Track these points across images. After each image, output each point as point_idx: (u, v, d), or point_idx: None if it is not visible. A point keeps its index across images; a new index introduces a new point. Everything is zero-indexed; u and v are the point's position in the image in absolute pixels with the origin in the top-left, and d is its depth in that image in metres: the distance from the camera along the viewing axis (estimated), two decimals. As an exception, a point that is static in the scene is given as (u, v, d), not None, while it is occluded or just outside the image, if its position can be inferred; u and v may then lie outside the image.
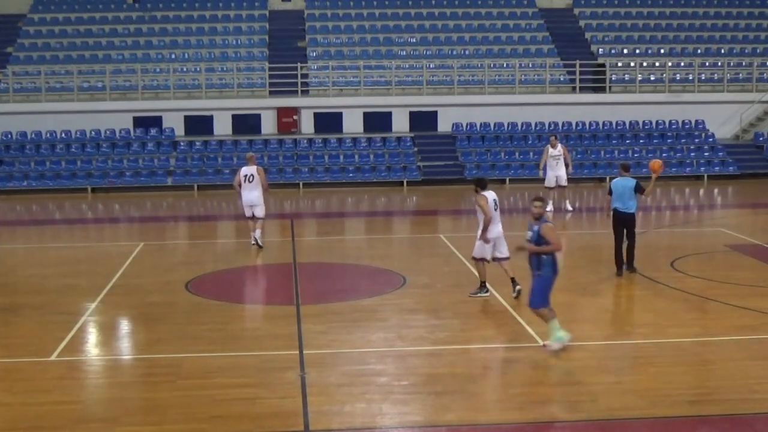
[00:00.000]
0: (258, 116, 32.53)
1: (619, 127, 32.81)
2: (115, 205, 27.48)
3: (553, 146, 23.50)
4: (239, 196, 19.39)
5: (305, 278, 16.00)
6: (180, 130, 32.10)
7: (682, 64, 34.91)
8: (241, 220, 21.20)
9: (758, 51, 35.92)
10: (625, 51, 35.76)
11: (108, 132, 31.69)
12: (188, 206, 27.32)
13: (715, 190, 29.37)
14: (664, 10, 37.75)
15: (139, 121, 32.02)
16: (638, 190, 15.64)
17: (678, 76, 34.50)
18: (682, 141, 32.50)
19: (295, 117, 32.36)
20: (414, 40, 35.65)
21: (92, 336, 12.79)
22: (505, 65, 34.43)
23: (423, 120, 32.78)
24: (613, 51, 35.69)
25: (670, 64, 34.53)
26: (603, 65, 34.66)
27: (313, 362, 11.05)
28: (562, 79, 34.44)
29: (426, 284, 15.39)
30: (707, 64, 34.87)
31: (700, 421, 9.15)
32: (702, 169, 31.56)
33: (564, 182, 23.59)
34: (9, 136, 31.41)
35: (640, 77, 34.14)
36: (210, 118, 32.39)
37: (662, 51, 35.75)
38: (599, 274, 16.26)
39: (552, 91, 33.90)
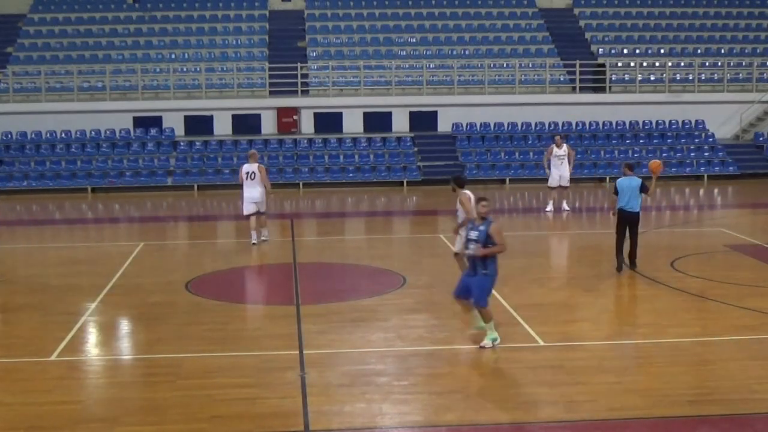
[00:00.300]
0: (258, 116, 32.53)
1: (619, 127, 32.81)
2: (115, 205, 27.48)
3: (558, 146, 23.49)
4: (242, 195, 19.48)
5: (305, 278, 16.00)
6: (180, 130, 32.10)
7: (682, 64, 34.91)
8: (241, 219, 21.20)
9: (758, 51, 35.92)
10: (625, 51, 35.77)
11: (108, 132, 31.69)
12: (188, 206, 27.32)
13: (715, 190, 29.37)
14: (664, 10, 37.75)
15: (139, 121, 32.02)
16: (643, 189, 15.86)
17: (678, 76, 34.50)
18: (682, 141, 32.51)
19: (295, 117, 32.36)
20: (414, 40, 35.65)
21: (92, 336, 12.79)
22: (505, 65, 34.43)
23: (423, 120, 32.78)
24: (613, 51, 35.69)
25: (670, 64, 34.53)
26: (603, 65, 34.67)
27: (313, 362, 11.05)
28: (562, 79, 34.44)
29: (426, 284, 15.40)
30: (707, 64, 34.87)
31: (700, 421, 9.15)
32: (702, 169, 31.56)
33: (566, 182, 23.58)
34: (9, 136, 31.41)
35: (640, 77, 34.14)
36: (210, 118, 32.39)
37: (662, 51, 35.75)
38: (599, 274, 16.26)
39: (552, 91, 33.91)
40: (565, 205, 23.68)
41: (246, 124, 32.42)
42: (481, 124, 32.56)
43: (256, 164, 19.23)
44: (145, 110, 32.23)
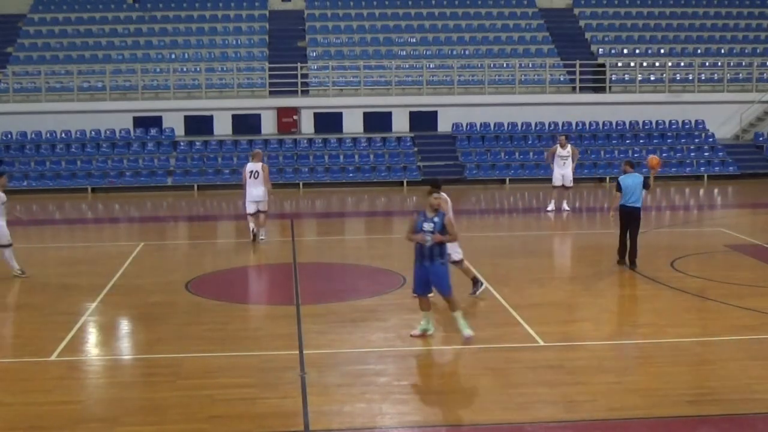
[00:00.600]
0: (258, 116, 32.53)
1: (619, 127, 32.81)
2: (115, 205, 27.48)
3: (563, 146, 23.49)
4: (244, 194, 19.57)
5: (305, 278, 16.00)
6: (180, 130, 32.10)
7: (682, 64, 34.91)
8: (241, 220, 21.23)
9: (758, 51, 35.93)
10: (625, 51, 35.77)
11: (108, 132, 31.70)
12: (188, 206, 27.33)
13: (715, 190, 29.37)
14: (664, 10, 37.75)
15: (139, 121, 32.02)
16: (645, 186, 16.26)
17: (678, 76, 34.51)
18: (682, 141, 32.51)
19: (295, 117, 32.36)
20: (414, 40, 35.66)
21: (92, 336, 12.79)
22: (505, 65, 34.44)
23: (423, 120, 32.78)
24: (613, 51, 35.69)
25: (670, 64, 34.54)
26: (603, 65, 34.67)
27: (313, 362, 11.05)
28: (562, 79, 34.44)
29: (426, 284, 15.35)
30: (707, 64, 34.88)
31: (700, 421, 9.15)
32: (702, 169, 31.56)
33: (569, 183, 23.58)
34: (9, 136, 31.41)
35: (640, 77, 34.14)
36: (210, 118, 32.39)
37: (662, 51, 35.76)
38: (599, 274, 16.27)
39: (552, 91, 33.91)
40: (565, 205, 23.67)
41: (246, 124, 32.42)
42: (481, 124, 32.56)
43: (260, 163, 19.41)
44: (145, 110, 32.23)
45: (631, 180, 16.24)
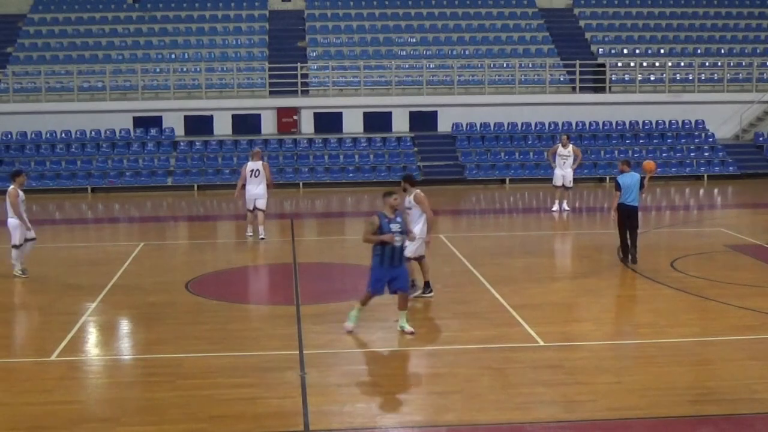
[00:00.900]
0: (258, 116, 32.54)
1: (619, 127, 32.81)
2: (115, 205, 27.48)
3: (564, 146, 23.48)
4: (241, 194, 19.74)
5: (305, 278, 16.00)
6: (180, 130, 32.10)
7: (682, 64, 34.92)
8: (241, 220, 21.25)
9: (758, 51, 35.93)
10: (625, 51, 35.77)
11: (108, 132, 31.70)
12: (188, 206, 27.32)
13: (715, 190, 29.37)
14: (664, 10, 37.76)
15: (139, 121, 32.02)
16: (642, 185, 16.63)
17: (678, 76, 34.51)
18: (682, 141, 32.51)
19: (295, 117, 32.36)
20: (414, 40, 35.66)
21: (92, 336, 12.79)
22: (505, 65, 34.44)
23: (423, 120, 32.78)
24: (613, 51, 35.70)
25: (670, 64, 34.54)
26: (603, 65, 34.67)
27: (313, 362, 11.05)
28: (562, 79, 34.45)
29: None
30: (707, 64, 34.88)
31: (700, 421, 9.15)
32: (702, 169, 31.56)
33: (569, 183, 23.57)
34: (9, 136, 31.41)
35: (640, 77, 34.15)
36: (210, 118, 32.39)
37: (662, 51, 35.76)
38: (599, 274, 16.27)
39: (552, 91, 33.91)
40: (565, 205, 23.66)
41: (246, 124, 32.42)
42: (481, 124, 32.56)
43: (260, 162, 19.65)
44: (145, 110, 32.23)
45: (629, 179, 16.55)
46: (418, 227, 13.73)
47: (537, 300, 14.08)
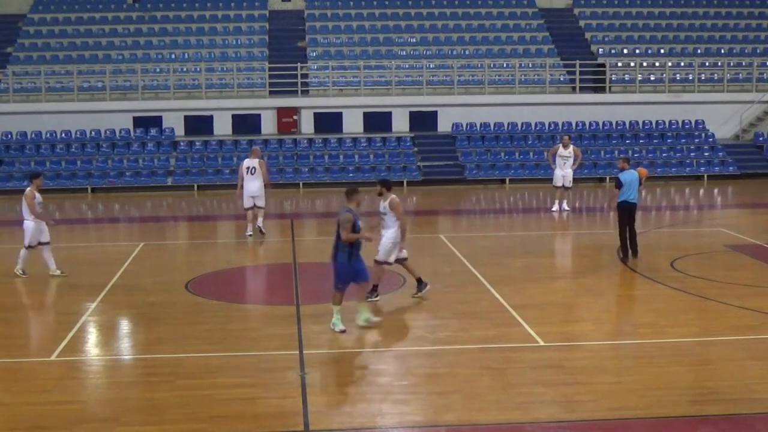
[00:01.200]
0: (258, 116, 32.53)
1: (619, 127, 32.81)
2: (115, 205, 27.48)
3: (565, 146, 23.48)
4: (239, 193, 19.95)
5: (305, 278, 15.99)
6: (180, 130, 32.10)
7: (682, 64, 34.91)
8: (241, 219, 21.24)
9: (758, 51, 35.93)
10: (625, 51, 35.77)
11: (108, 132, 31.70)
12: (188, 206, 27.32)
13: (715, 190, 29.37)
14: (664, 10, 37.76)
15: (139, 121, 32.02)
16: (640, 182, 17.09)
17: (678, 76, 34.51)
18: (682, 141, 32.50)
19: (295, 117, 32.36)
20: (414, 40, 35.66)
21: (92, 336, 12.79)
22: (505, 65, 34.44)
23: (423, 120, 32.77)
24: (613, 51, 35.70)
25: (670, 64, 34.54)
26: (603, 65, 34.67)
27: (313, 362, 11.05)
28: (562, 79, 34.44)
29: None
30: (707, 64, 34.88)
31: (700, 421, 9.15)
32: (702, 169, 31.55)
33: (569, 183, 23.58)
34: (9, 136, 31.41)
35: (640, 77, 34.15)
36: (210, 118, 32.39)
37: (662, 51, 35.76)
38: (599, 274, 16.28)
39: (552, 91, 33.91)
40: (565, 206, 23.66)
41: (246, 124, 32.42)
42: (481, 124, 32.56)
43: (257, 159, 20.00)
44: (145, 110, 32.23)
45: (630, 176, 16.87)
46: (391, 231, 13.76)
47: (537, 300, 14.08)
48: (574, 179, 23.90)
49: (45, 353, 11.62)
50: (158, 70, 33.46)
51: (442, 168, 31.09)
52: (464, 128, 32.48)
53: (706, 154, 32.07)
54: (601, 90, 34.13)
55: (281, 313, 13.43)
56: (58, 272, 16.02)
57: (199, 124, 32.21)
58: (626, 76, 34.57)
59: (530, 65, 34.50)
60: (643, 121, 32.95)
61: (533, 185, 29.69)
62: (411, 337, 12.21)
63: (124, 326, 13.48)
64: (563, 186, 23.55)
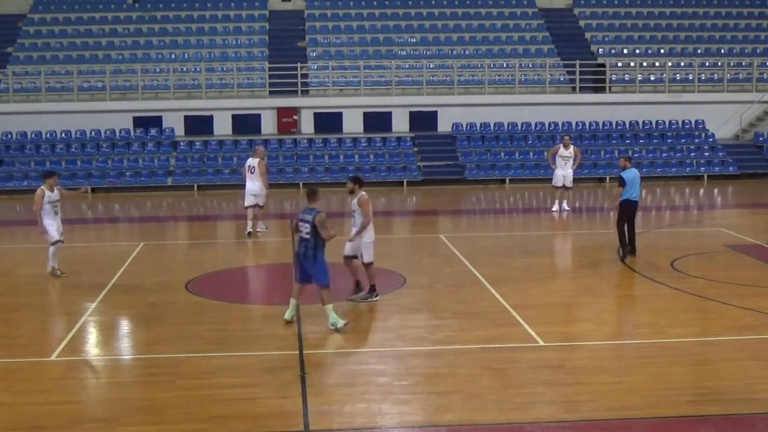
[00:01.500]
0: (258, 116, 32.53)
1: (619, 127, 32.81)
2: (115, 205, 27.48)
3: (566, 146, 23.48)
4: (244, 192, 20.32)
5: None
6: (180, 130, 32.10)
7: (682, 64, 34.92)
8: (241, 219, 21.26)
9: (758, 51, 35.93)
10: (625, 51, 35.77)
11: (108, 132, 31.70)
12: (188, 206, 27.32)
13: (715, 190, 29.37)
14: (664, 10, 37.76)
15: (139, 121, 32.02)
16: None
17: (678, 76, 34.51)
18: (682, 141, 32.50)
19: (295, 117, 32.36)
20: (414, 40, 35.66)
21: (92, 336, 12.79)
22: (505, 65, 34.44)
23: (423, 120, 32.78)
24: (613, 51, 35.70)
25: (670, 64, 34.54)
26: (603, 65, 34.67)
27: (313, 362, 11.05)
28: (562, 79, 34.44)
29: (426, 284, 15.39)
30: (707, 64, 34.88)
31: (700, 421, 9.15)
32: (702, 169, 31.55)
33: (569, 183, 23.58)
34: (9, 136, 31.41)
35: (640, 77, 34.15)
36: (210, 118, 32.39)
37: (662, 51, 35.76)
38: (599, 274, 16.28)
39: (552, 91, 33.91)
40: (565, 206, 23.66)
41: (246, 124, 32.42)
42: (481, 124, 32.56)
43: (257, 159, 20.20)
44: (145, 110, 32.23)
45: (632, 174, 17.03)
46: (368, 231, 13.79)
47: (537, 300, 14.08)
48: (574, 179, 23.90)
49: (45, 353, 11.62)
50: (158, 70, 33.46)
51: (442, 168, 31.09)
52: (464, 128, 32.48)
53: (706, 154, 32.07)
54: (601, 90, 34.13)
55: (281, 313, 13.42)
56: (58, 273, 16.00)
57: (199, 124, 32.21)
58: (626, 76, 34.57)
59: (530, 65, 34.50)
60: (643, 121, 32.95)
61: (533, 185, 29.68)
62: (411, 337, 12.21)
63: (124, 326, 13.48)
64: (563, 186, 23.55)
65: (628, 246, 17.05)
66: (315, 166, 30.77)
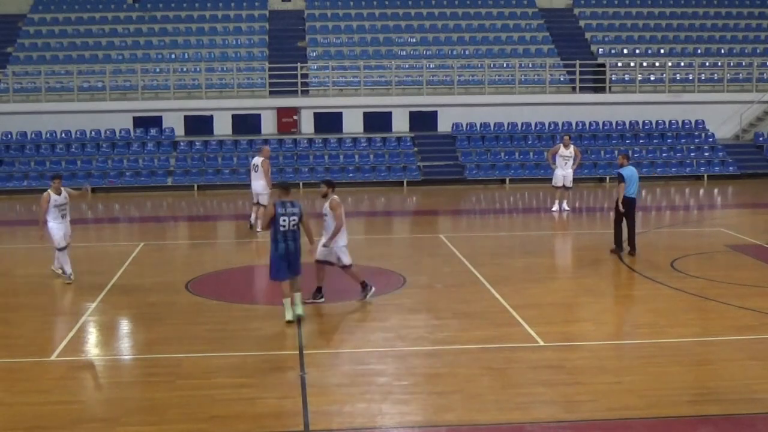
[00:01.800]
0: (258, 116, 32.53)
1: (619, 127, 32.81)
2: (115, 205, 27.48)
3: (566, 146, 23.49)
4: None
5: (305, 278, 15.94)
6: (180, 130, 32.10)
7: (682, 64, 34.92)
8: (240, 219, 21.28)
9: (758, 51, 35.93)
10: (625, 51, 35.77)
11: (108, 132, 31.70)
12: (188, 206, 27.32)
13: (715, 190, 29.37)
14: (664, 10, 37.76)
15: (139, 121, 32.02)
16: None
17: (678, 76, 34.51)
18: (682, 141, 32.50)
19: (295, 117, 32.36)
20: (414, 40, 35.66)
21: (92, 336, 12.79)
22: (505, 65, 34.44)
23: (423, 120, 32.78)
24: (613, 51, 35.70)
25: (670, 64, 34.54)
26: (603, 65, 34.67)
27: (313, 362, 11.05)
28: (562, 79, 34.44)
29: (426, 284, 15.39)
30: (707, 64, 34.88)
31: (700, 421, 9.15)
32: (702, 169, 31.55)
33: (569, 183, 23.59)
34: (9, 136, 31.41)
35: (640, 77, 34.15)
36: (210, 118, 32.39)
37: (662, 51, 35.76)
38: (599, 274, 16.29)
39: (552, 91, 33.91)
40: (565, 206, 23.67)
41: (246, 124, 32.42)
42: (481, 124, 32.56)
43: (261, 158, 20.54)
44: (145, 110, 32.23)
45: (630, 171, 17.23)
46: (342, 235, 13.80)
47: (537, 300, 14.08)
48: (574, 179, 23.91)
49: (45, 353, 11.62)
50: (158, 70, 33.46)
51: (442, 168, 31.09)
52: (464, 128, 32.49)
53: (706, 154, 32.08)
54: (601, 90, 34.13)
55: (281, 313, 13.42)
56: (59, 272, 15.91)
57: (199, 124, 32.21)
58: (626, 76, 34.57)
59: (530, 65, 34.50)
60: (643, 121, 32.95)
61: (533, 185, 29.68)
62: (411, 337, 12.21)
63: (124, 326, 13.48)
64: (563, 186, 23.55)
65: (620, 244, 17.26)
66: (315, 166, 30.77)
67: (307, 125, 32.59)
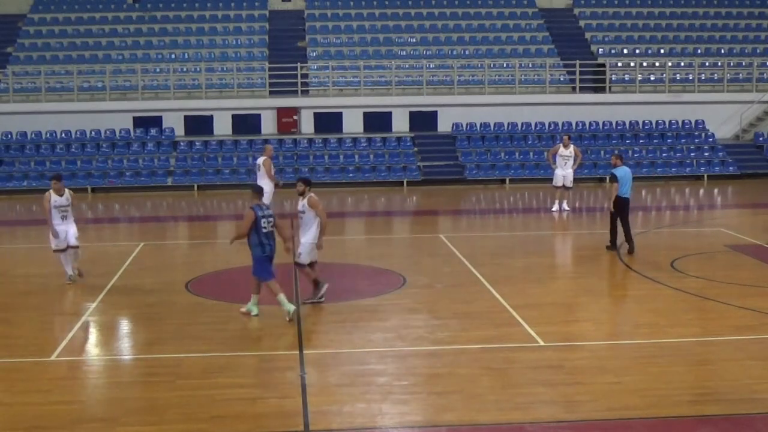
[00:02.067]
0: (258, 116, 32.53)
1: (619, 127, 32.81)
2: (115, 205, 27.48)
3: (566, 146, 23.49)
4: None
5: (305, 278, 15.96)
6: (180, 130, 32.10)
7: (682, 64, 34.91)
8: (241, 220, 21.20)
9: (758, 51, 35.93)
10: (625, 51, 35.77)
11: (108, 132, 31.69)
12: (188, 206, 27.32)
13: (715, 190, 29.37)
14: (664, 10, 37.76)
15: (139, 121, 32.02)
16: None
17: (678, 76, 34.50)
18: (682, 141, 32.50)
19: (295, 117, 32.36)
20: (414, 40, 35.66)
21: (92, 336, 12.79)
22: (505, 65, 34.44)
23: (423, 120, 32.77)
24: (613, 51, 35.69)
25: (670, 64, 34.53)
26: (603, 65, 34.67)
27: (313, 362, 11.05)
28: (562, 79, 34.44)
29: (426, 284, 15.39)
30: (707, 64, 34.87)
31: (700, 421, 9.15)
32: (702, 169, 31.55)
33: (570, 183, 23.59)
34: (9, 136, 31.40)
35: (640, 77, 34.15)
36: (210, 118, 32.39)
37: (662, 51, 35.76)
38: (599, 274, 16.29)
39: (552, 91, 33.91)
40: (565, 206, 23.67)
41: (246, 124, 32.42)
42: (481, 124, 32.56)
43: (263, 158, 20.94)
44: (145, 110, 32.23)
45: (623, 171, 17.46)
46: (311, 232, 13.78)
47: (537, 300, 14.08)
48: (574, 179, 23.91)
49: (45, 353, 11.61)
50: (158, 70, 33.46)
51: (442, 168, 31.09)
52: (464, 128, 32.48)
53: (706, 154, 32.07)
54: (601, 90, 34.12)
55: (281, 314, 13.43)
56: (73, 276, 15.70)
57: (199, 124, 32.21)
58: (626, 76, 34.57)
59: (530, 65, 34.49)
60: (643, 121, 32.95)
61: (533, 185, 29.68)
62: (411, 337, 12.21)
63: (124, 326, 13.48)
64: (563, 186, 23.56)
65: (615, 241, 17.55)
66: (315, 166, 30.77)
67: (307, 125, 32.59)
